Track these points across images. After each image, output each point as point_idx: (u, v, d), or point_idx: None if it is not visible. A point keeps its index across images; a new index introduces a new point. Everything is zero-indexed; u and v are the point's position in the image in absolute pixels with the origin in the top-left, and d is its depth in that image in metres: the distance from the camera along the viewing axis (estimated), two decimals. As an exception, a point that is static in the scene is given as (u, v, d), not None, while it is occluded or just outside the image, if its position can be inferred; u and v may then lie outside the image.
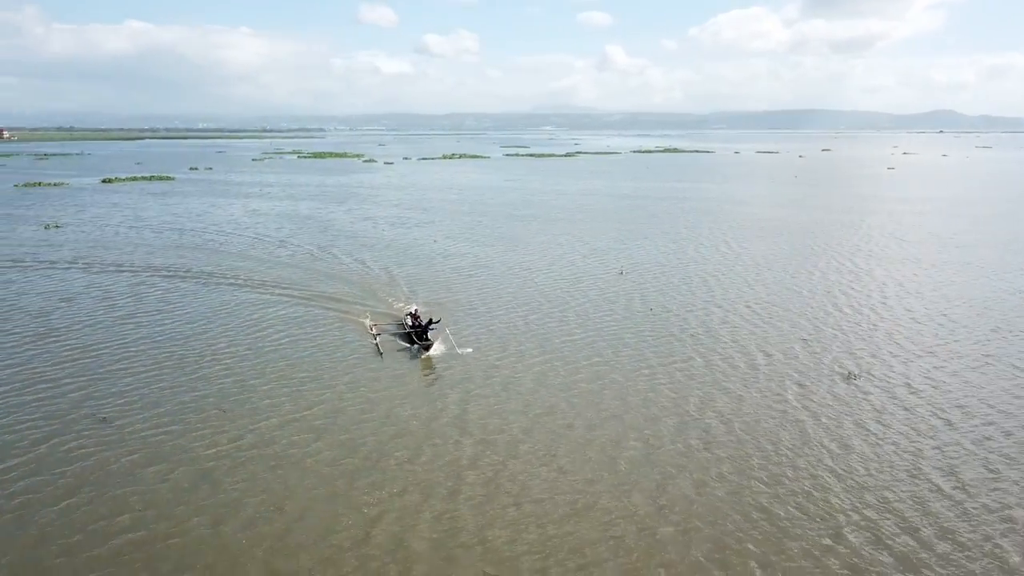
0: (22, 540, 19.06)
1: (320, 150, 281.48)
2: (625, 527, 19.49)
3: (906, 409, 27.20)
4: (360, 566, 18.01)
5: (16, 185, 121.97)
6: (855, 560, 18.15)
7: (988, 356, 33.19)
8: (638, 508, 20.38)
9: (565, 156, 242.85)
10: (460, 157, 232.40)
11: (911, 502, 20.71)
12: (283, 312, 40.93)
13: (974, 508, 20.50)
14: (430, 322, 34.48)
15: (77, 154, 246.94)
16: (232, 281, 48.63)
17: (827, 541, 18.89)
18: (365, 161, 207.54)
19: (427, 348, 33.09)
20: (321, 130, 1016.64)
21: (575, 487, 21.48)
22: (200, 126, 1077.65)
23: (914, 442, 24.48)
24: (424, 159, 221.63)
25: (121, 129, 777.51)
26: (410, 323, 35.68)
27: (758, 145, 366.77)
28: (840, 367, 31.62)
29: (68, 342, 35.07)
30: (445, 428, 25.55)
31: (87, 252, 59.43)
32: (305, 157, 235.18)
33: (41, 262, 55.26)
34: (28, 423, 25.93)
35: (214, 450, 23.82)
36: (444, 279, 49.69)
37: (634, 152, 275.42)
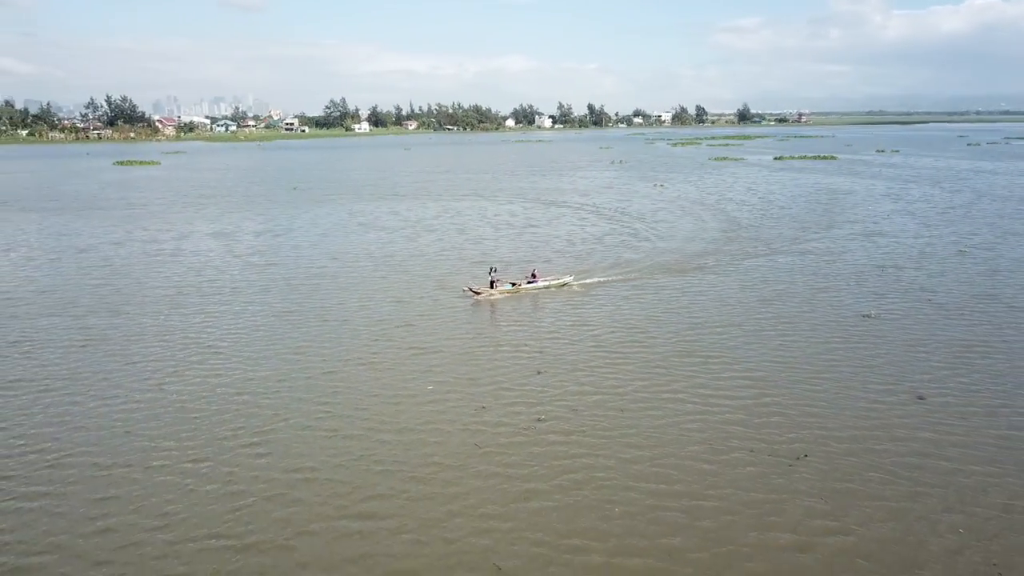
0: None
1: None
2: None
3: None
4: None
5: (710, 159, 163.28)
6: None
7: None
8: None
9: None
10: None
11: None
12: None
13: None
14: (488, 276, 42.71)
15: (821, 136, 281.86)
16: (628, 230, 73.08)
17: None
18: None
19: (476, 293, 40.82)
20: None
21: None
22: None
23: None
24: None
25: (928, 113, 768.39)
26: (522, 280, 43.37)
27: None
28: None
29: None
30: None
31: (612, 204, 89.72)
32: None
33: (574, 205, 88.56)
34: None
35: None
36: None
37: None
